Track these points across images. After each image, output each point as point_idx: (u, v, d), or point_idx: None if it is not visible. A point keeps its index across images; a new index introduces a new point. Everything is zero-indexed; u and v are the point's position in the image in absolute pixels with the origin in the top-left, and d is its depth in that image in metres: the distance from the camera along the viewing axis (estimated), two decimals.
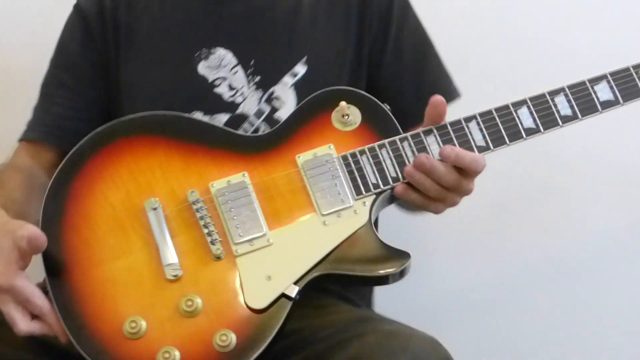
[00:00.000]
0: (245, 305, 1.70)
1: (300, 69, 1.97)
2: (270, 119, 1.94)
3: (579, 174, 2.46)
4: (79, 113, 2.04)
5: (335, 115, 1.81)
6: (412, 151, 1.78)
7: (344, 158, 1.78)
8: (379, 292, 2.17)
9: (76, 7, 2.10)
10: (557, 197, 2.48)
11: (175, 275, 1.70)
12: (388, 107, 1.92)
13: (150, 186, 1.76)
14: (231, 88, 1.97)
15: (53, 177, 1.79)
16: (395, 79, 2.05)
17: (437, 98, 1.76)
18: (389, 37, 2.04)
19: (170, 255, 1.72)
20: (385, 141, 1.79)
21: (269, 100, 1.96)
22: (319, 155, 1.78)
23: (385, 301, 2.24)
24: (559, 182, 2.46)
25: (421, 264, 2.34)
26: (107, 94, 2.05)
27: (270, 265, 1.72)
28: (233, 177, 1.77)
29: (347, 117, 1.81)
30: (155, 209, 1.74)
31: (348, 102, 1.81)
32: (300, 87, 1.95)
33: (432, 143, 1.78)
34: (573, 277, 2.49)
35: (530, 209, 2.48)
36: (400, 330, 1.66)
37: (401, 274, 1.76)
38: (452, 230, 2.43)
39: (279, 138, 1.82)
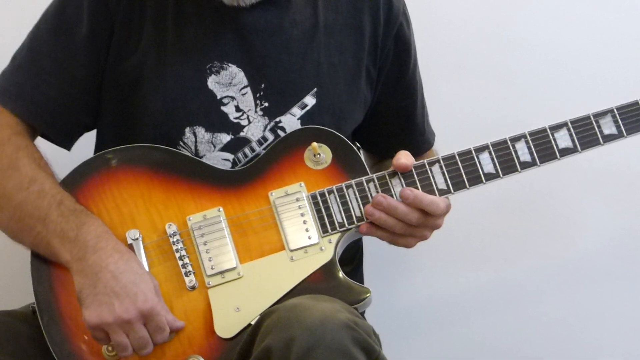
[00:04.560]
0: (214, 333, 1.84)
1: (309, 101, 1.96)
2: None
3: (578, 176, 2.51)
4: (72, 101, 1.96)
5: (307, 154, 1.92)
6: (377, 192, 1.90)
7: (313, 197, 1.90)
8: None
9: None
10: (556, 200, 2.55)
11: None
12: (358, 145, 2.03)
13: (132, 217, 1.89)
14: (238, 109, 1.94)
15: None
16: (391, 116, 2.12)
17: (402, 166, 1.88)
18: (402, 76, 2.09)
19: None
20: (353, 181, 1.90)
21: (274, 129, 1.95)
22: (290, 193, 1.90)
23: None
24: (558, 184, 2.53)
25: (420, 266, 2.48)
26: (102, 82, 1.96)
27: (240, 297, 1.86)
28: (209, 211, 1.89)
29: (318, 156, 1.91)
30: (135, 239, 1.87)
31: (320, 142, 1.92)
32: (307, 121, 1.95)
33: (397, 185, 1.90)
34: (573, 279, 2.57)
35: (530, 211, 2.56)
36: (302, 303, 1.68)
37: (362, 307, 1.89)
38: (452, 233, 2.43)
39: (254, 173, 1.92)
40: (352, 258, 2.11)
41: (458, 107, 2.47)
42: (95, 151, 2.04)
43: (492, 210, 2.53)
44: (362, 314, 2.03)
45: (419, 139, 2.11)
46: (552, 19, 2.51)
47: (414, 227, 1.90)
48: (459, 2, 2.50)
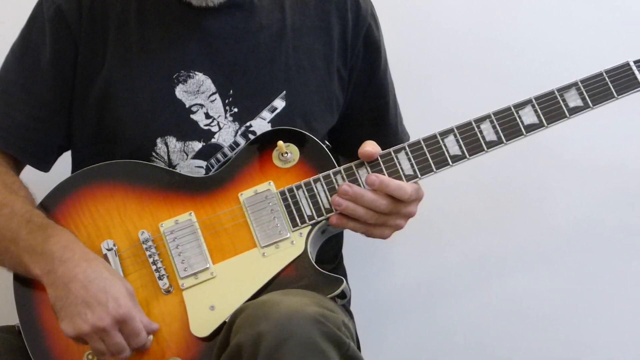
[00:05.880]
0: (191, 334, 1.85)
1: (279, 104, 1.98)
2: None
3: (549, 161, 2.51)
4: (42, 124, 1.98)
5: (275, 154, 1.94)
6: None
7: (282, 193, 1.91)
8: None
9: (51, 6, 1.98)
10: (528, 185, 2.54)
11: None
12: (328, 144, 2.04)
13: (108, 229, 1.92)
14: (208, 116, 1.96)
15: None
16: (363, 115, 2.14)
17: (367, 154, 1.89)
18: (373, 77, 2.12)
19: None
20: (320, 175, 1.91)
21: (245, 134, 1.98)
22: (259, 192, 1.92)
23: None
24: (530, 169, 2.52)
25: (396, 255, 2.50)
26: (71, 102, 2.00)
27: (214, 296, 1.87)
28: (180, 216, 1.92)
29: (286, 154, 1.93)
30: (110, 249, 1.90)
31: (287, 141, 1.94)
32: (278, 124, 1.97)
33: (364, 175, 1.91)
34: (547, 263, 2.56)
35: (503, 198, 2.55)
36: (270, 299, 1.70)
37: (340, 297, 1.88)
38: (427, 222, 2.46)
39: (225, 177, 1.95)
40: (334, 256, 2.11)
41: (453, 107, 2.44)
42: (73, 170, 2.09)
43: (467, 197, 2.52)
44: (348, 304, 2.02)
45: (392, 139, 2.10)
46: (546, 19, 2.52)
47: (385, 216, 1.89)
48: (454, 2, 2.53)
